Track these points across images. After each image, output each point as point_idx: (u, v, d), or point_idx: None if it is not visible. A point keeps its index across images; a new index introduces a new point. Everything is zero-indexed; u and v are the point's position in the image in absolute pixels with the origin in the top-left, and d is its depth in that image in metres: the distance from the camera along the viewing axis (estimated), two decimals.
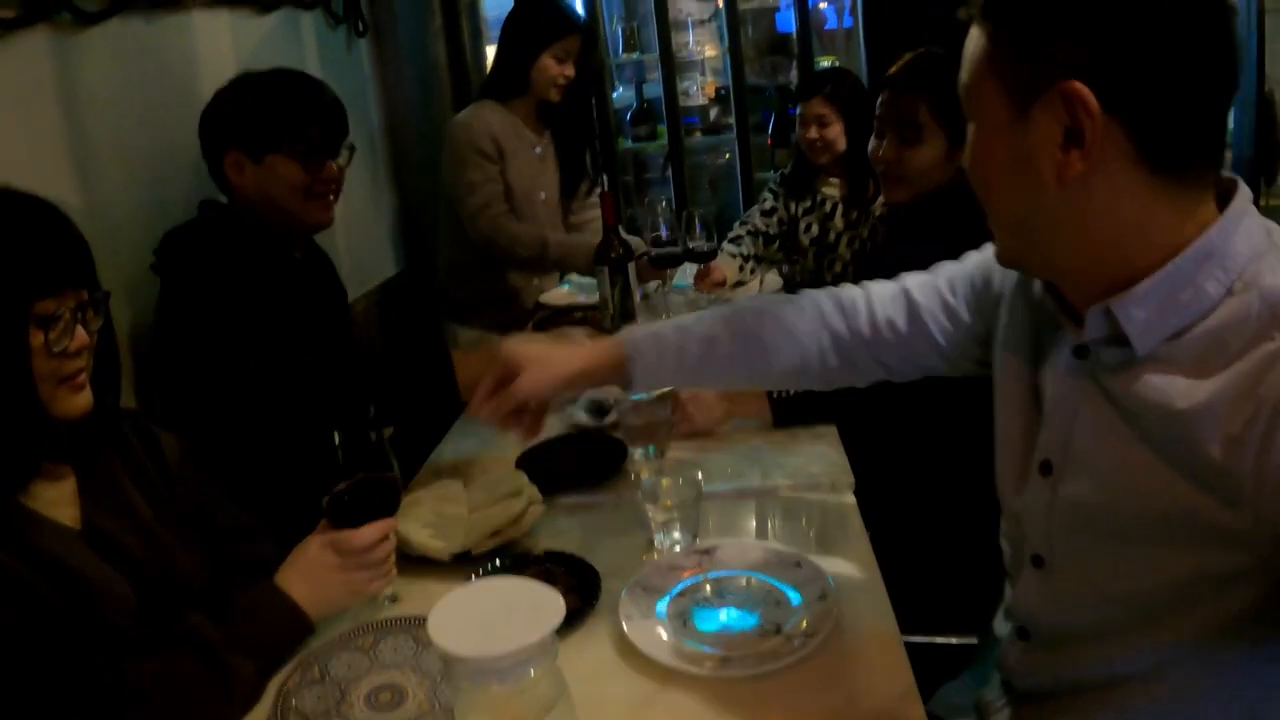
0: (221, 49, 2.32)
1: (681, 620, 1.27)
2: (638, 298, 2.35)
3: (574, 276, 3.17)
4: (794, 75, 4.19)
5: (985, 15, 0.94)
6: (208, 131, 1.87)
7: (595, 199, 3.25)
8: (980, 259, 1.27)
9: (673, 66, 4.10)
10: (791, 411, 1.84)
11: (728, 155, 4.46)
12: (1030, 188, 0.94)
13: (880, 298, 1.36)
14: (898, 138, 1.97)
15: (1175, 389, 0.90)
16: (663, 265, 2.67)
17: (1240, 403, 0.86)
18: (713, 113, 4.46)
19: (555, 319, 2.79)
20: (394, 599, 1.38)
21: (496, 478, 1.64)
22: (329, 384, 1.77)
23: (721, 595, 1.33)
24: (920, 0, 3.13)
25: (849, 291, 1.39)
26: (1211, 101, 0.90)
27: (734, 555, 1.41)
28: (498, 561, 1.44)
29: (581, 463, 1.79)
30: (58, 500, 1.20)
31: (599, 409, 2.01)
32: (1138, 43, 0.86)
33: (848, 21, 4.20)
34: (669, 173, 4.31)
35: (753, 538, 1.55)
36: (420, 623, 1.28)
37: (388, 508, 1.33)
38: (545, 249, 2.83)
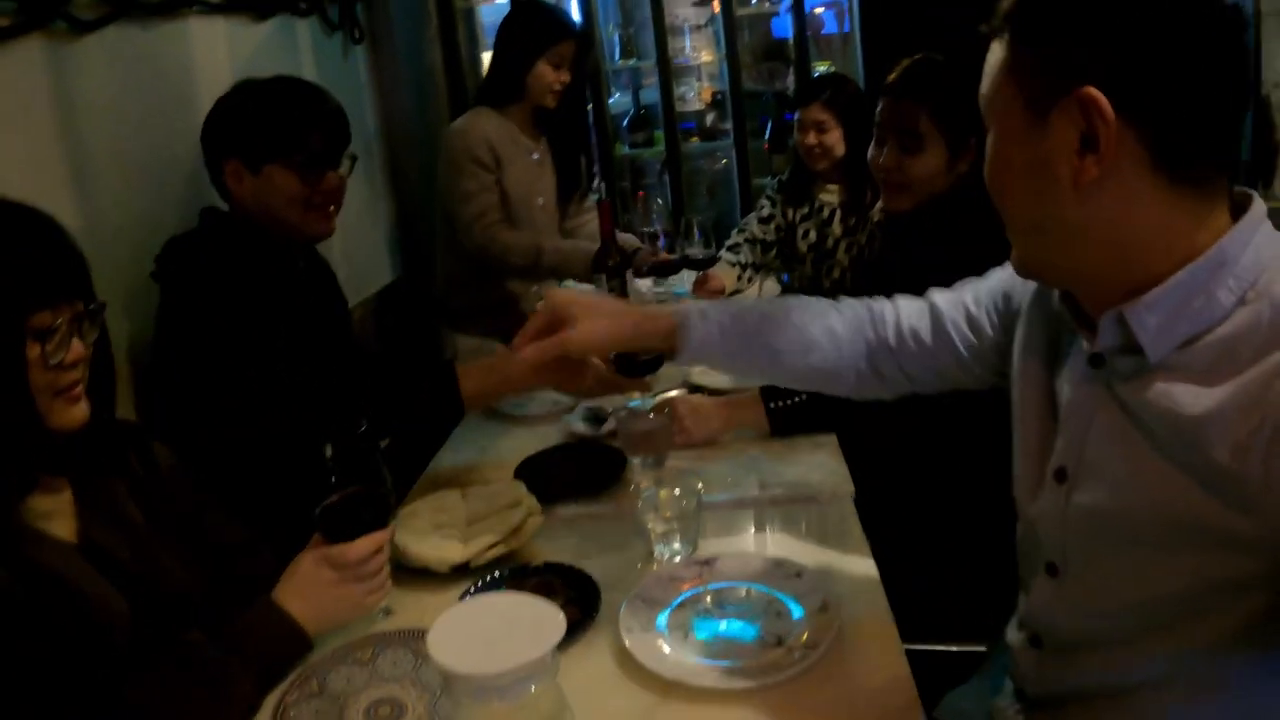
0: (218, 56, 2.31)
1: (682, 633, 1.27)
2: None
3: (572, 283, 3.17)
4: (791, 81, 4.18)
5: (1005, 25, 0.96)
6: (208, 140, 1.86)
7: (589, 204, 3.26)
8: (1002, 274, 1.29)
9: (669, 72, 4.09)
10: (789, 421, 1.84)
11: (725, 161, 4.46)
12: (1047, 194, 0.95)
13: (906, 309, 1.39)
14: (898, 146, 1.96)
15: (1186, 395, 0.91)
16: (663, 273, 2.67)
17: (1248, 410, 0.87)
18: (709, 118, 4.46)
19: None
20: (388, 612, 1.38)
21: (495, 488, 1.63)
22: (328, 394, 1.76)
23: (722, 607, 1.32)
24: (918, 5, 3.14)
25: (879, 303, 1.41)
26: (1225, 109, 0.91)
27: (734, 566, 1.40)
28: (496, 573, 1.44)
29: (580, 472, 1.78)
30: (54, 513, 1.19)
31: (596, 417, 2.01)
32: (1152, 50, 0.88)
33: (845, 26, 4.20)
34: (666, 178, 4.31)
35: (753, 547, 1.54)
36: (419, 636, 1.27)
37: (380, 520, 1.32)
38: (540, 257, 2.83)
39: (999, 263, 1.81)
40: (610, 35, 4.34)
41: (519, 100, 2.90)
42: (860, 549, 1.47)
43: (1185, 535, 0.93)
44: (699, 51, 4.37)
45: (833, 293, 2.77)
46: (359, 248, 3.09)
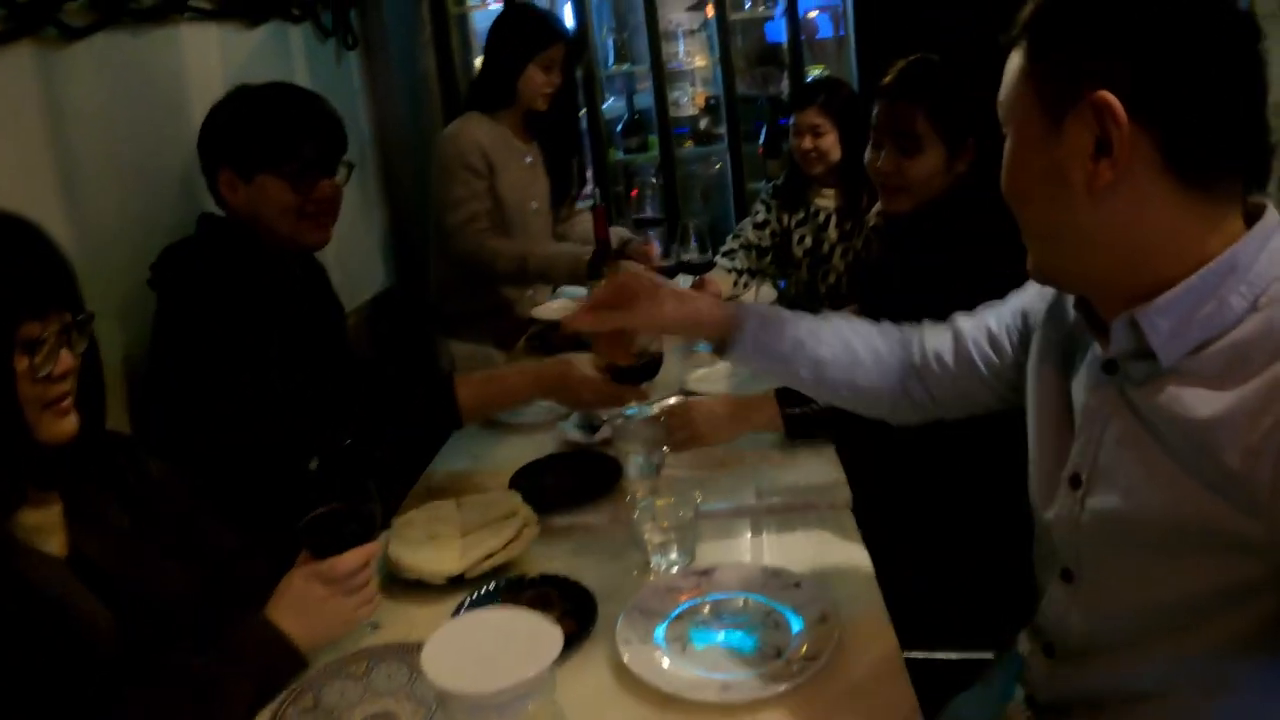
0: (210, 63, 2.30)
1: (680, 645, 1.25)
2: None
3: (567, 289, 3.16)
4: (785, 85, 4.18)
5: (1024, 33, 0.98)
6: (202, 147, 1.85)
7: (579, 207, 3.26)
8: (1020, 296, 1.32)
9: (663, 77, 4.08)
10: (806, 426, 1.82)
11: (719, 166, 4.45)
12: (1062, 199, 0.97)
13: (931, 333, 1.42)
14: (896, 148, 1.95)
15: (1197, 400, 0.92)
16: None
17: (1259, 415, 0.88)
18: (703, 123, 4.45)
19: (548, 333, 2.77)
20: (375, 626, 1.36)
21: (490, 498, 1.62)
22: (323, 402, 1.74)
23: (720, 618, 1.31)
24: (912, 9, 3.13)
25: (906, 327, 1.45)
26: (1237, 114, 0.93)
27: (732, 576, 1.39)
28: (492, 585, 1.42)
29: (576, 481, 1.77)
30: (44, 527, 1.18)
31: (591, 425, 2.00)
32: (1165, 55, 0.90)
33: (840, 31, 4.19)
34: (660, 183, 4.30)
35: (750, 557, 1.52)
36: (414, 649, 1.26)
37: (367, 533, 1.31)
38: (525, 263, 2.83)
39: (999, 265, 1.81)
40: (604, 40, 4.33)
41: (510, 104, 2.90)
42: (859, 558, 1.46)
43: (1197, 540, 0.94)
44: (693, 56, 4.36)
45: (829, 298, 2.79)
46: (353, 254, 3.08)
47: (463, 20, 3.95)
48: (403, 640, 1.30)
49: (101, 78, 1.90)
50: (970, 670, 1.48)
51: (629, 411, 1.81)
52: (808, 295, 2.89)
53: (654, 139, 4.28)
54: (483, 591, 1.41)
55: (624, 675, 1.21)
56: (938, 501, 1.78)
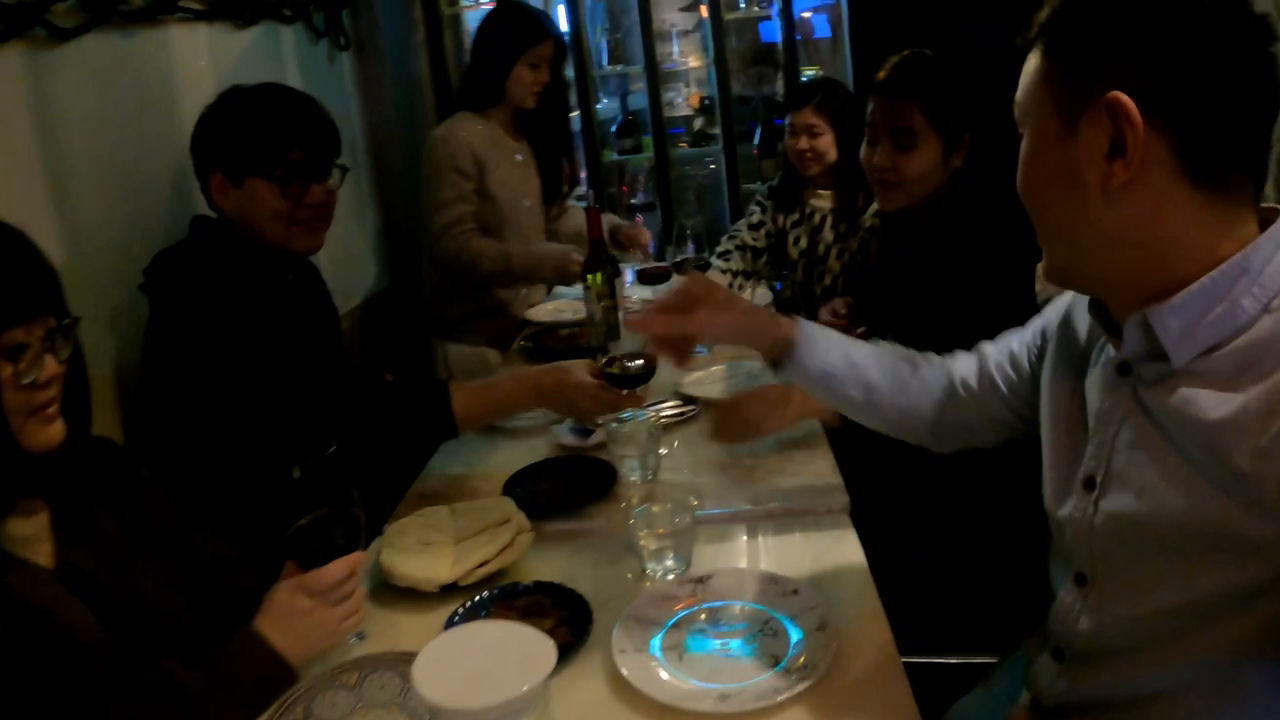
0: (200, 64, 2.28)
1: (677, 654, 1.24)
2: (621, 318, 2.30)
3: (561, 290, 3.15)
4: (780, 86, 4.16)
5: (1040, 35, 0.99)
6: (194, 150, 1.83)
7: (569, 204, 3.24)
8: (1042, 317, 1.32)
9: (657, 78, 4.06)
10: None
11: (714, 166, 4.43)
12: (1077, 199, 0.97)
13: (958, 359, 1.44)
14: (892, 144, 1.93)
15: (1209, 401, 0.93)
16: (654, 281, 2.65)
17: (1270, 417, 0.88)
18: (698, 123, 4.43)
19: (542, 335, 2.76)
20: (361, 636, 1.34)
21: (484, 504, 1.60)
22: (316, 407, 1.72)
23: (717, 626, 1.30)
24: (907, 9, 3.12)
25: (934, 356, 1.46)
26: (1250, 116, 0.93)
27: (729, 583, 1.37)
28: (485, 593, 1.40)
29: (570, 487, 1.75)
30: (32, 537, 1.16)
31: (583, 429, 1.99)
32: (1179, 56, 0.91)
33: (835, 31, 4.17)
34: (654, 183, 4.28)
35: (746, 563, 1.51)
36: (407, 659, 1.24)
37: (352, 542, 1.29)
38: (509, 262, 2.83)
39: (997, 262, 1.79)
40: (598, 40, 4.31)
41: (499, 102, 2.90)
42: (856, 563, 1.45)
43: (1208, 541, 0.95)
44: (687, 56, 4.34)
45: (825, 299, 2.77)
46: (346, 256, 3.06)
47: (456, 21, 3.92)
48: (393, 650, 1.28)
49: (91, 79, 1.88)
50: (972, 674, 1.47)
51: (624, 416, 1.80)
52: (803, 296, 2.88)
53: (648, 140, 4.26)
54: (475, 600, 1.39)
55: (620, 685, 1.19)
56: (945, 507, 1.77)
